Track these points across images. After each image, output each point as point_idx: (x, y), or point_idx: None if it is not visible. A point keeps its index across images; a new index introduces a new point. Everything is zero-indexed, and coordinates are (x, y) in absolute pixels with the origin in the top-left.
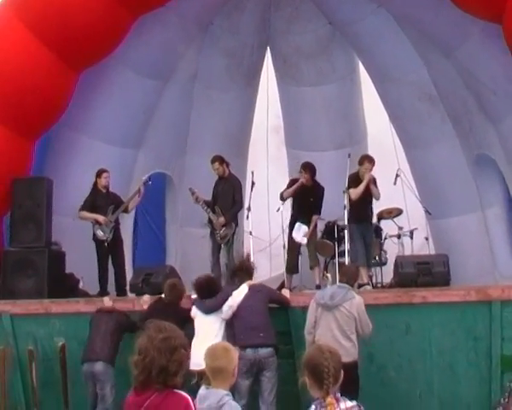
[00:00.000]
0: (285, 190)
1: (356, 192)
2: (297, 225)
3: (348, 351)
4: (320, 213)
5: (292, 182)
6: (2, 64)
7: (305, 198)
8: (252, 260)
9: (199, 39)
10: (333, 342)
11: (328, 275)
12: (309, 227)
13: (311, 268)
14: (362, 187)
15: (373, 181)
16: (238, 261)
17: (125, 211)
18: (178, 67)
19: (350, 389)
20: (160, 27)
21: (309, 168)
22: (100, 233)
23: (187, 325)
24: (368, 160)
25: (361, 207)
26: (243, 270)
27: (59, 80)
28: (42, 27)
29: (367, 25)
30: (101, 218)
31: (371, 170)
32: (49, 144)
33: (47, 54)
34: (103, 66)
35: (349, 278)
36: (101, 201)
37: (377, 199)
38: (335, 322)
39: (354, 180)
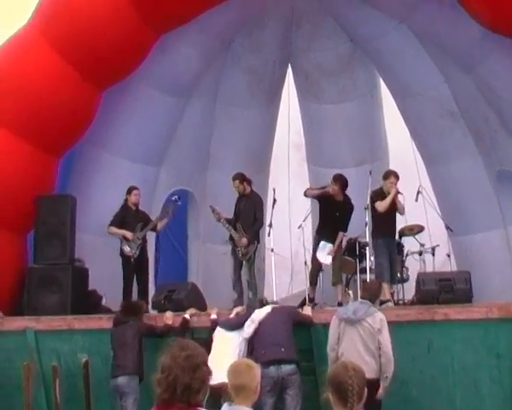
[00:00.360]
0: (310, 188)
1: (382, 205)
2: (321, 244)
3: (371, 367)
4: (346, 231)
5: (315, 188)
6: (27, 82)
7: (332, 212)
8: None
9: (221, 57)
10: (357, 357)
11: (350, 292)
12: (333, 244)
13: (334, 285)
14: (388, 200)
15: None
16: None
17: (154, 230)
18: (200, 85)
19: (373, 407)
20: (183, 45)
21: (340, 180)
22: (127, 249)
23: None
24: (393, 175)
25: (386, 222)
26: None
27: (83, 98)
28: (67, 46)
29: (388, 41)
30: (128, 234)
31: (396, 184)
32: (72, 161)
33: (72, 72)
34: (126, 83)
35: (371, 294)
36: (130, 217)
37: (401, 214)
38: (359, 337)
39: (379, 194)
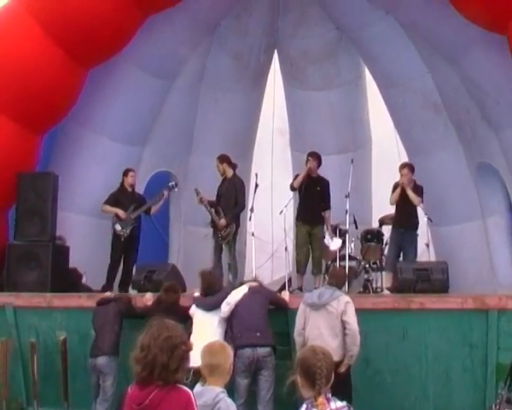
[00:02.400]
0: (294, 180)
1: (392, 197)
2: (326, 241)
3: (336, 350)
4: (330, 207)
5: (297, 177)
6: (11, 59)
7: (311, 189)
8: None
9: (207, 40)
10: (321, 341)
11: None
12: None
13: (315, 274)
14: (396, 192)
15: (411, 187)
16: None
17: (147, 212)
18: (185, 68)
19: (340, 390)
20: (169, 27)
21: (316, 156)
22: (118, 227)
23: (186, 324)
24: (407, 166)
25: (397, 213)
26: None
27: (68, 76)
28: (52, 24)
29: (374, 31)
30: (121, 212)
31: (406, 175)
32: (55, 139)
33: (56, 50)
34: (112, 63)
35: (338, 280)
36: (124, 198)
37: (416, 205)
38: (324, 321)
39: (395, 186)
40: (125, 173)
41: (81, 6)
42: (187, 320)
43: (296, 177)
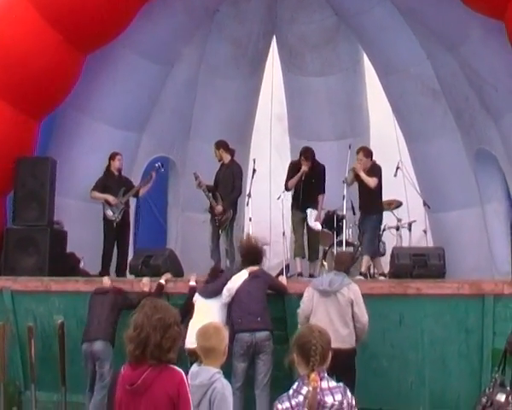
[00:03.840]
0: (289, 180)
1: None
2: (308, 211)
3: (345, 338)
4: (324, 192)
5: (292, 165)
6: (9, 44)
7: (307, 177)
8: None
9: (205, 26)
10: (331, 328)
11: (325, 264)
12: (317, 209)
13: (310, 260)
14: (350, 176)
15: (367, 169)
16: (250, 245)
17: (136, 195)
18: (184, 53)
19: (346, 377)
20: (167, 13)
21: (310, 154)
22: (109, 213)
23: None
24: (360, 151)
25: (359, 198)
26: (253, 254)
27: (65, 61)
28: (50, 8)
29: (372, 16)
30: (111, 198)
31: (361, 160)
32: (53, 125)
33: (54, 35)
34: (110, 49)
35: (345, 266)
36: (112, 183)
37: (371, 186)
38: (334, 308)
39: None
40: (112, 157)
41: None
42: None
43: (289, 169)
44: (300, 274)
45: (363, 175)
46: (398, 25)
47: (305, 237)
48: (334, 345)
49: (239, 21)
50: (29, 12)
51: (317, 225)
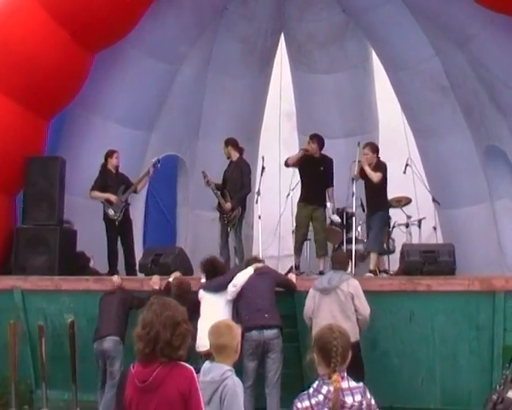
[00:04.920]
0: (289, 158)
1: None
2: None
3: (350, 331)
4: (333, 185)
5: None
6: (18, 43)
7: (315, 169)
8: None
9: (213, 24)
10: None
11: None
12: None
13: (318, 257)
14: (356, 170)
15: (373, 165)
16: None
17: (135, 191)
18: (192, 52)
19: (355, 370)
20: (175, 11)
21: (317, 138)
22: (111, 212)
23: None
24: (367, 146)
25: (365, 194)
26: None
27: (74, 61)
28: (58, 8)
29: (380, 13)
30: (113, 197)
31: (367, 155)
32: (62, 124)
33: (63, 34)
34: (118, 48)
35: (342, 264)
36: (111, 181)
37: (374, 180)
38: (335, 304)
39: None
40: (110, 155)
41: None
42: (195, 311)
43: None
44: (296, 267)
45: (367, 169)
46: (407, 21)
47: (312, 234)
48: None
49: (247, 19)
50: (37, 11)
51: (336, 217)
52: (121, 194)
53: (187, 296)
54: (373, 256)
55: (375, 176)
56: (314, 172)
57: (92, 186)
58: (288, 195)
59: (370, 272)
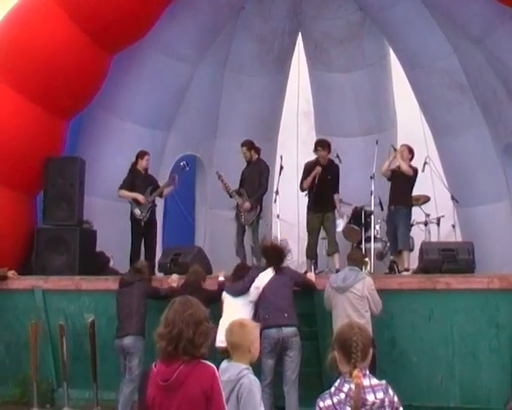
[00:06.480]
0: (304, 180)
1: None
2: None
3: None
4: (339, 192)
5: (307, 166)
6: (38, 45)
7: (322, 178)
8: (287, 245)
9: (230, 24)
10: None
11: (366, 259)
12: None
13: (329, 255)
14: (386, 162)
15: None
16: (271, 245)
17: (160, 195)
18: (210, 51)
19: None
20: (192, 11)
21: (327, 145)
22: (138, 212)
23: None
24: (405, 146)
25: (389, 191)
26: (275, 254)
27: (93, 62)
28: (77, 9)
29: (397, 11)
30: (140, 197)
31: (403, 151)
32: (81, 125)
33: (81, 35)
34: (136, 48)
35: (357, 262)
36: (139, 181)
37: (406, 172)
38: (349, 303)
39: None
40: (141, 156)
41: None
42: (211, 304)
43: (305, 169)
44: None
45: (401, 162)
46: (424, 19)
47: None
48: None
49: (264, 18)
50: (56, 13)
51: (341, 225)
52: (149, 194)
53: (202, 284)
54: (406, 255)
55: (409, 170)
56: (322, 181)
57: (120, 185)
58: (307, 194)
59: (406, 270)
